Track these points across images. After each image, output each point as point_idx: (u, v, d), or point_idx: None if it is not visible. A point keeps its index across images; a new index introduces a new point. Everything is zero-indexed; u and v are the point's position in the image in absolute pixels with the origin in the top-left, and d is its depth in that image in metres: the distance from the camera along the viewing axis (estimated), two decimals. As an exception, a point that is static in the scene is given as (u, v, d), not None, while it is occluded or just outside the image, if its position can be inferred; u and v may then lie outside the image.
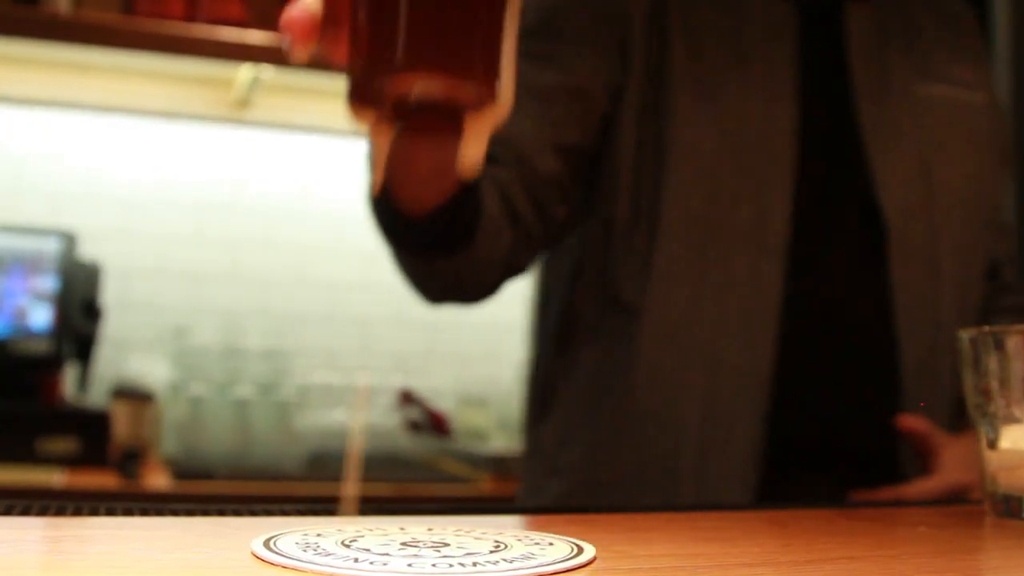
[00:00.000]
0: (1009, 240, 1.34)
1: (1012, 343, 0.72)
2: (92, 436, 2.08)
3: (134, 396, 2.22)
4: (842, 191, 1.13)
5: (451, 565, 0.48)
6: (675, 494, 1.06)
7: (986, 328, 0.75)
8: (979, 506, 0.78)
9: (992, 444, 0.75)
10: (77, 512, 0.70)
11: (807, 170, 1.10)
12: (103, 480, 1.97)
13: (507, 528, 0.59)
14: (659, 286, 1.07)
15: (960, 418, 1.17)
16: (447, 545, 0.52)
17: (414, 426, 2.49)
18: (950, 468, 1.07)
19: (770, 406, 1.06)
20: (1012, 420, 0.73)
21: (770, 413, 1.06)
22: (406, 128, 0.53)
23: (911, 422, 1.10)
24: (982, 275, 1.24)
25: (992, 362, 0.73)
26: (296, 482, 2.05)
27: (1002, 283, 1.30)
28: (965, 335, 0.77)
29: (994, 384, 0.73)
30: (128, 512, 0.71)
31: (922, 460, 1.11)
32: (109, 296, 2.39)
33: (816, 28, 1.17)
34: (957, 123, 1.21)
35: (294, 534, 0.54)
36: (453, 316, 2.55)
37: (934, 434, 1.10)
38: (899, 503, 1.04)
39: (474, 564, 0.48)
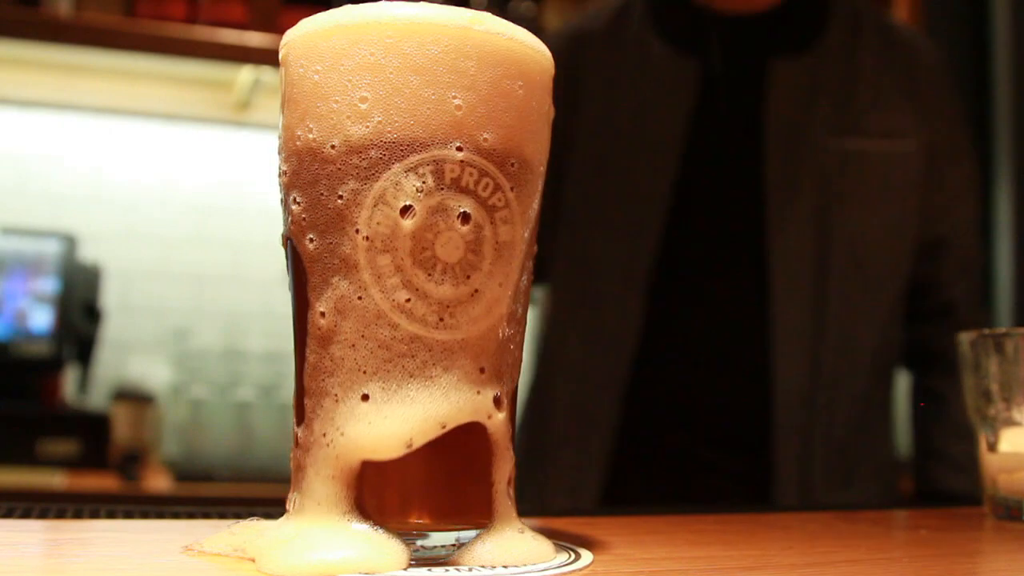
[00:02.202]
0: (969, 279, 1.37)
1: (1012, 346, 0.72)
2: (93, 438, 2.08)
3: (135, 398, 2.22)
4: (729, 234, 1.27)
5: (447, 570, 0.48)
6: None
7: (986, 331, 0.75)
8: (979, 508, 0.78)
9: (992, 447, 0.75)
10: (77, 515, 0.70)
11: (692, 219, 1.26)
12: (104, 482, 1.97)
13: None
14: (549, 325, 1.36)
15: (845, 456, 1.23)
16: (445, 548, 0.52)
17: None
18: None
19: (624, 413, 1.24)
20: (1012, 423, 0.73)
21: (623, 420, 1.24)
22: None
23: None
24: (889, 315, 1.29)
25: (992, 365, 0.73)
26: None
27: (942, 351, 1.33)
28: (964, 338, 0.77)
29: (994, 387, 0.73)
30: (129, 515, 0.72)
31: None
32: (110, 298, 2.39)
33: (731, 84, 1.28)
34: (869, 174, 1.27)
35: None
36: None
37: None
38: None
39: (470, 569, 0.49)
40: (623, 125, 1.31)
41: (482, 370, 0.50)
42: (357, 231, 0.49)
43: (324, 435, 0.49)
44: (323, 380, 0.49)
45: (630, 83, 1.32)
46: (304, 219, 0.51)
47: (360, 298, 0.49)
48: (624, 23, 1.36)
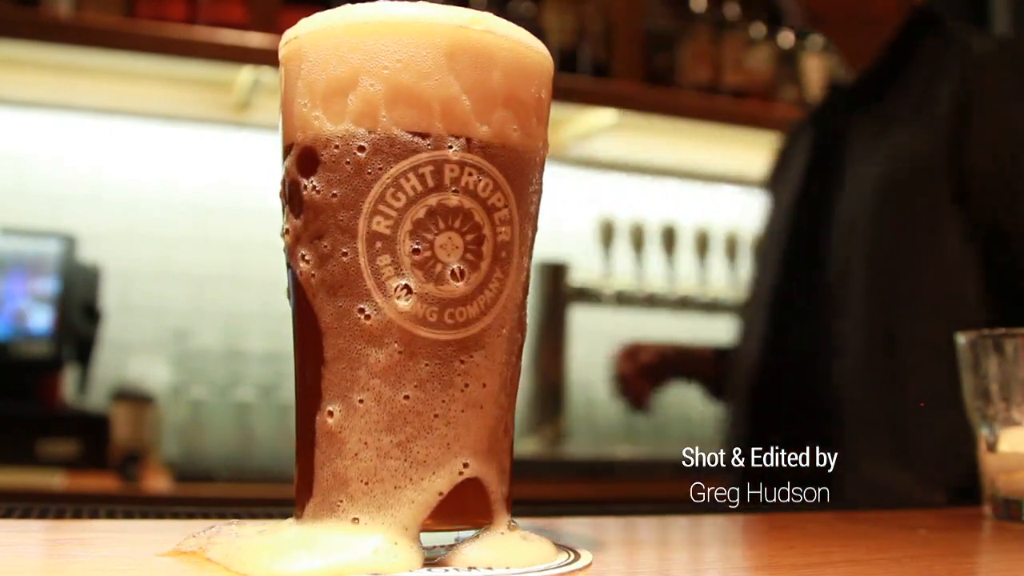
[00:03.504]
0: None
1: (1011, 347, 0.72)
2: (92, 438, 2.08)
3: (134, 398, 2.22)
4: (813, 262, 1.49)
5: (447, 570, 0.48)
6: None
7: (985, 331, 0.75)
8: (979, 508, 0.78)
9: (992, 447, 0.75)
10: (77, 515, 0.70)
11: (801, 255, 1.53)
12: (103, 483, 1.97)
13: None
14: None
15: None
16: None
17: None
18: None
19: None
20: (1011, 423, 0.73)
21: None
22: None
23: None
24: (933, 295, 1.41)
25: (992, 365, 0.73)
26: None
27: None
28: (963, 338, 0.77)
29: (993, 387, 0.73)
30: (128, 515, 0.72)
31: None
32: (109, 298, 2.39)
33: (825, 142, 1.54)
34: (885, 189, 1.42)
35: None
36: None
37: None
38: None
39: (469, 569, 0.49)
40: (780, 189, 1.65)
41: (466, 464, 0.51)
42: (362, 310, 0.50)
43: None
44: (327, 483, 0.51)
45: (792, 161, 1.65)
46: (314, 276, 0.51)
47: (361, 401, 0.50)
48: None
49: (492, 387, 0.51)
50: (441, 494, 0.50)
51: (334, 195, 0.50)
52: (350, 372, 0.50)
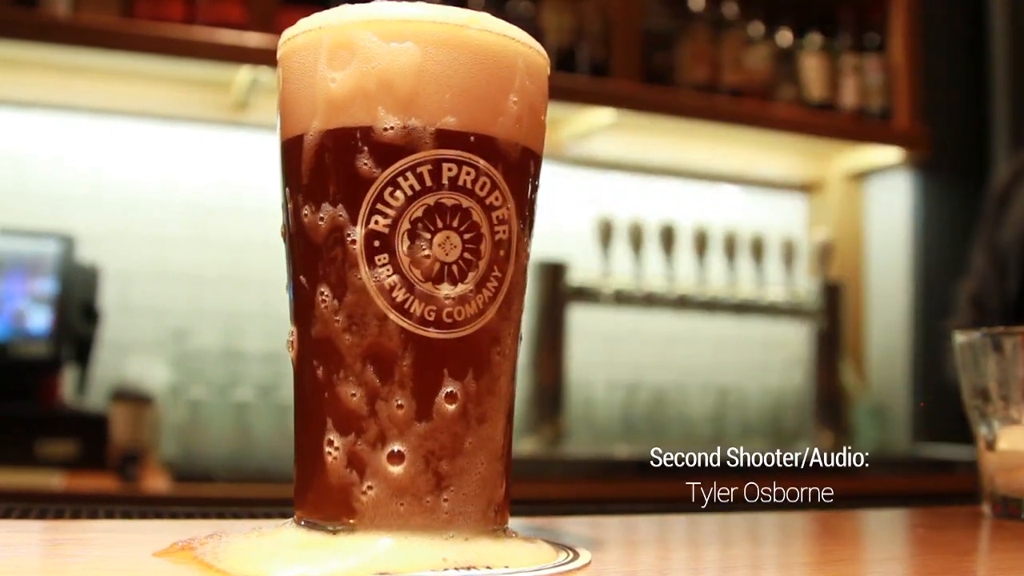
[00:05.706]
0: None
1: (1010, 345, 0.72)
2: (91, 439, 2.08)
3: (133, 399, 2.22)
4: None
5: (446, 570, 0.48)
6: None
7: (984, 330, 0.75)
8: (978, 507, 0.78)
9: (990, 445, 0.75)
10: (76, 515, 0.70)
11: None
12: (102, 483, 1.96)
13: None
14: None
15: None
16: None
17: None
18: None
19: None
20: (1010, 421, 0.73)
21: None
22: None
23: None
24: None
25: (990, 364, 0.73)
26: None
27: None
28: (962, 337, 0.77)
29: (992, 386, 0.73)
30: (127, 515, 0.72)
31: None
32: (108, 299, 2.39)
33: None
34: None
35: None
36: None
37: None
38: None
39: (468, 568, 0.49)
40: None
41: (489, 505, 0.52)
42: (365, 315, 0.50)
43: None
44: (327, 486, 0.51)
45: None
46: (338, 320, 0.52)
47: (367, 410, 0.50)
48: None
49: (491, 386, 0.51)
50: (446, 500, 0.50)
51: (334, 192, 0.50)
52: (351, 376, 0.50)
